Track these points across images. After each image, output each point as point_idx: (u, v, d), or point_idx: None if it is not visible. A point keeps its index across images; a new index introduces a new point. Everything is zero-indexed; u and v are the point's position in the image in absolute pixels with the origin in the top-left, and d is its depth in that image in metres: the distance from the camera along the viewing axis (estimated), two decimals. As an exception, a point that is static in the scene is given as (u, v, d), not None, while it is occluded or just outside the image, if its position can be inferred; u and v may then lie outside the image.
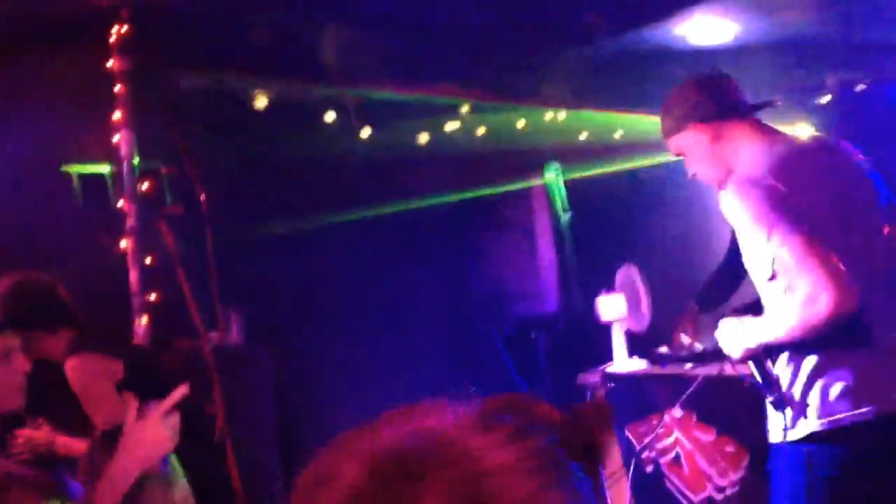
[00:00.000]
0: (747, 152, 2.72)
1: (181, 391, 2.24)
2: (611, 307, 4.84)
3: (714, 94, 2.82)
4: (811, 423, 2.56)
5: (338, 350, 5.32)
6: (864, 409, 2.50)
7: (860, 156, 2.82)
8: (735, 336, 2.75)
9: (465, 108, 6.19)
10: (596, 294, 4.84)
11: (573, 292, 5.08)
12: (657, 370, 4.71)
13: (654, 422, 4.62)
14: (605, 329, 4.86)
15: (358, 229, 5.38)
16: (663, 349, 4.74)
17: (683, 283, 5.51)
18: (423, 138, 5.89)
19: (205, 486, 3.75)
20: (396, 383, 5.11)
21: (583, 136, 6.69)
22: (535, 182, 5.03)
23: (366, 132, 5.69)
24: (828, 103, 6.48)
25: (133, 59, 4.31)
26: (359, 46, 5.48)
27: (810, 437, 2.56)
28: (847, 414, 2.50)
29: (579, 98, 6.67)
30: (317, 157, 5.37)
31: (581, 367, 4.95)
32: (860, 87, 6.27)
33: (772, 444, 2.71)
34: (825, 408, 2.52)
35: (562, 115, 6.80)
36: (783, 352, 2.59)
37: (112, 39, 4.21)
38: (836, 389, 2.52)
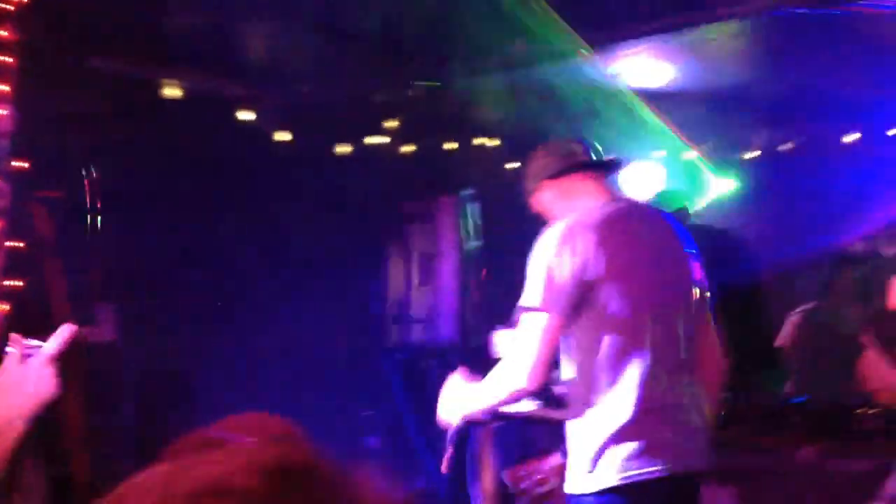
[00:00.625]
0: (585, 203, 2.92)
1: (71, 330, 2.04)
2: (506, 343, 4.71)
3: (562, 154, 3.04)
4: (608, 478, 2.72)
5: (224, 355, 5.12)
6: (655, 468, 2.67)
7: (682, 231, 3.02)
8: (455, 400, 3.06)
9: (391, 124, 6.04)
10: (496, 327, 4.70)
11: (471, 323, 4.94)
12: (544, 413, 4.57)
13: (532, 468, 4.48)
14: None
15: (259, 232, 5.19)
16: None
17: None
18: (343, 149, 5.72)
19: (53, 487, 3.55)
20: (280, 394, 4.91)
21: (510, 166, 6.57)
22: (448, 207, 4.90)
23: (281, 135, 5.52)
24: (753, 159, 6.45)
25: (31, 32, 4.10)
26: (285, 46, 5.32)
27: (607, 490, 2.72)
28: (640, 471, 2.67)
29: (509, 126, 6.57)
30: (225, 155, 5.18)
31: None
32: (786, 147, 6.25)
33: (569, 494, 2.89)
34: (621, 464, 2.68)
35: (492, 142, 6.68)
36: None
37: (7, 8, 3.99)
38: (631, 448, 2.69)
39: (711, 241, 4.91)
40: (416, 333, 4.89)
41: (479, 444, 4.74)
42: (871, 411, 3.83)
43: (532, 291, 2.78)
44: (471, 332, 4.89)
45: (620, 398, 2.70)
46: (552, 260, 2.72)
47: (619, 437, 2.69)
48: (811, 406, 3.99)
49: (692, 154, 6.61)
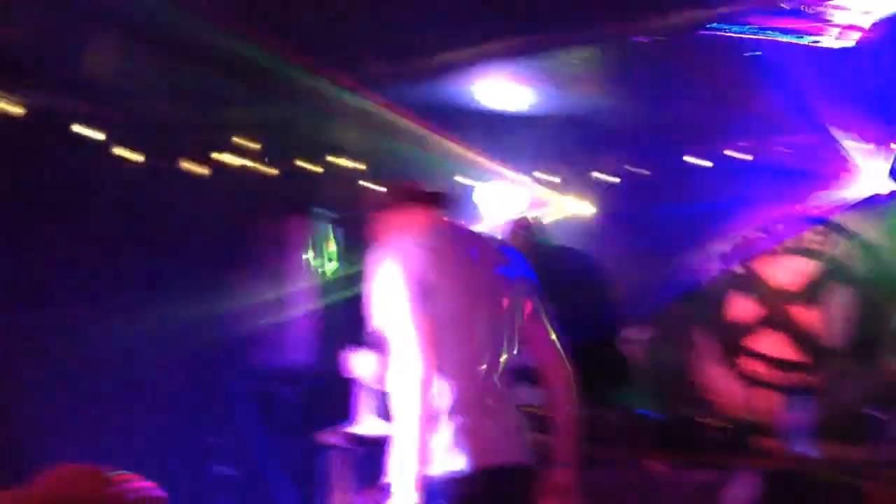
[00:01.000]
0: (416, 228, 3.26)
1: None
2: (361, 363, 4.63)
3: (399, 188, 3.43)
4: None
5: (62, 380, 4.85)
6: (464, 463, 2.87)
7: (509, 252, 3.34)
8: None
9: (248, 143, 5.91)
10: (352, 347, 4.63)
11: (328, 344, 4.84)
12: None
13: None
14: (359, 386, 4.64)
15: (102, 252, 4.96)
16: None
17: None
18: (194, 168, 5.56)
19: None
20: (123, 422, 4.68)
21: (368, 186, 6.51)
22: (303, 227, 4.78)
23: (126, 153, 5.31)
24: (611, 184, 6.60)
25: None
26: (131, 63, 5.14)
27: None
28: (450, 467, 2.87)
29: (369, 148, 6.53)
30: (65, 174, 4.95)
31: (327, 424, 4.70)
32: (639, 171, 6.42)
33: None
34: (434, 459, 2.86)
35: (351, 163, 6.63)
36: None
37: None
38: (442, 443, 2.89)
39: (562, 262, 4.99)
40: (269, 357, 4.73)
41: (331, 468, 4.64)
42: (715, 423, 3.92)
43: (382, 305, 3.03)
44: (325, 355, 4.79)
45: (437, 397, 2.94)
46: (387, 274, 3.02)
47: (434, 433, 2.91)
48: (660, 419, 4.05)
49: (551, 177, 6.72)
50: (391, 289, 3.01)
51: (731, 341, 5.81)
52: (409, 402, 2.89)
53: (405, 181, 3.53)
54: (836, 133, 5.28)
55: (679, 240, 6.09)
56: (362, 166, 6.35)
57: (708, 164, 6.25)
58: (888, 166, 5.22)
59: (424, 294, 2.98)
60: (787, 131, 5.80)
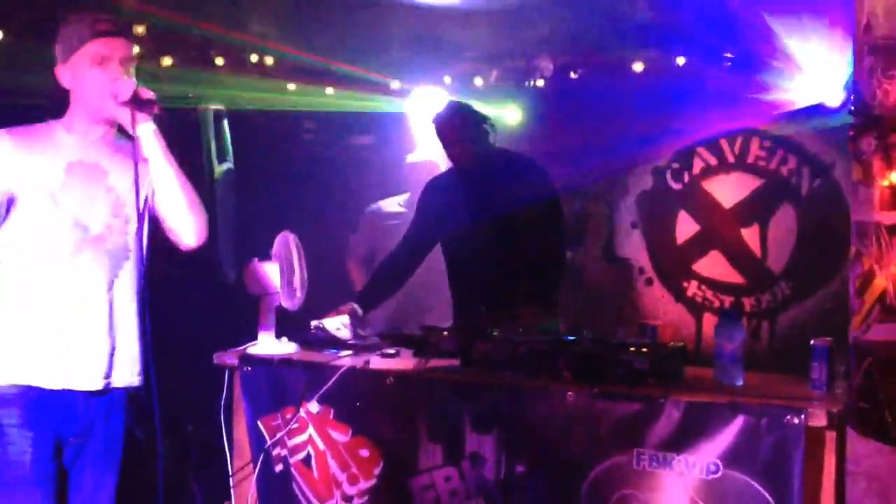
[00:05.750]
0: None
1: None
2: (261, 278, 4.29)
3: None
4: None
5: None
6: None
7: None
8: None
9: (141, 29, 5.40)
10: (249, 260, 4.30)
11: (223, 256, 4.47)
12: (298, 356, 4.21)
13: (289, 415, 4.12)
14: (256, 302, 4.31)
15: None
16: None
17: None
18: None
19: None
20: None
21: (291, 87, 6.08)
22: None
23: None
24: (541, 87, 6.22)
25: None
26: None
27: None
28: None
29: (286, 41, 6.08)
30: None
31: (222, 344, 4.38)
32: (574, 75, 6.06)
33: None
34: None
35: (268, 59, 6.19)
36: None
37: None
38: None
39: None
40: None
41: (230, 391, 4.33)
42: (642, 349, 3.66)
43: None
44: (221, 267, 4.41)
45: None
46: None
47: None
48: (582, 346, 3.78)
49: (478, 80, 6.32)
50: None
51: (676, 262, 5.57)
52: None
53: None
54: (783, 30, 4.93)
55: (615, 154, 5.78)
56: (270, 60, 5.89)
57: (645, 65, 5.86)
58: (844, 76, 4.89)
59: None
60: (731, 36, 5.48)
